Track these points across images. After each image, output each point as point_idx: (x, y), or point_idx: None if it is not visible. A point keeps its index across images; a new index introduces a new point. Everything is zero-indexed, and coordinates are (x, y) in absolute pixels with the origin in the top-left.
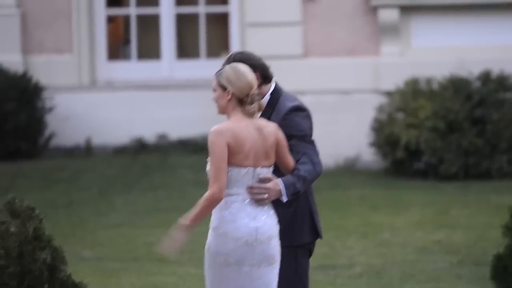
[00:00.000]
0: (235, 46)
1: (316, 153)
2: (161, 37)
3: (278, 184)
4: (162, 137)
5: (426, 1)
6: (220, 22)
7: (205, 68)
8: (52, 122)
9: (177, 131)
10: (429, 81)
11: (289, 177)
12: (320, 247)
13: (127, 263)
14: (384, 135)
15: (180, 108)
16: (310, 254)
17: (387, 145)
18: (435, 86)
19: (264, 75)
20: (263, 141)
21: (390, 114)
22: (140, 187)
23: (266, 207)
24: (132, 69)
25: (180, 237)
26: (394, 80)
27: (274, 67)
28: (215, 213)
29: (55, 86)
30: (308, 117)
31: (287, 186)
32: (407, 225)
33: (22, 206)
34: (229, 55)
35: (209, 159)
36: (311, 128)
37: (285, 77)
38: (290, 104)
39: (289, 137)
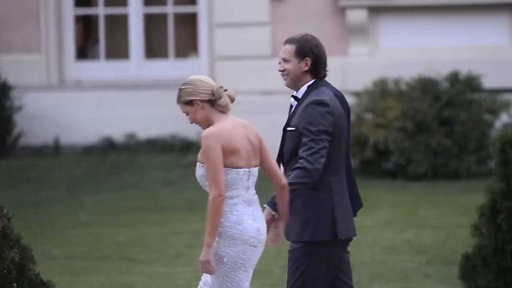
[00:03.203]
0: (203, 46)
1: (315, 152)
2: (130, 37)
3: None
4: (131, 136)
5: (395, 2)
6: (188, 22)
7: (174, 68)
8: (21, 121)
9: (146, 130)
10: (397, 81)
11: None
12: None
13: (96, 262)
14: (353, 135)
15: (149, 108)
16: (329, 254)
17: (355, 145)
18: (403, 86)
19: (314, 66)
20: (250, 140)
21: (359, 115)
22: (109, 186)
23: (258, 206)
24: (100, 68)
25: (207, 256)
26: (363, 81)
27: (243, 67)
28: None
29: (23, 86)
30: (329, 113)
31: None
32: (376, 225)
33: None
34: (301, 35)
35: (198, 163)
36: (330, 125)
37: (254, 77)
38: (313, 98)
39: (301, 130)
